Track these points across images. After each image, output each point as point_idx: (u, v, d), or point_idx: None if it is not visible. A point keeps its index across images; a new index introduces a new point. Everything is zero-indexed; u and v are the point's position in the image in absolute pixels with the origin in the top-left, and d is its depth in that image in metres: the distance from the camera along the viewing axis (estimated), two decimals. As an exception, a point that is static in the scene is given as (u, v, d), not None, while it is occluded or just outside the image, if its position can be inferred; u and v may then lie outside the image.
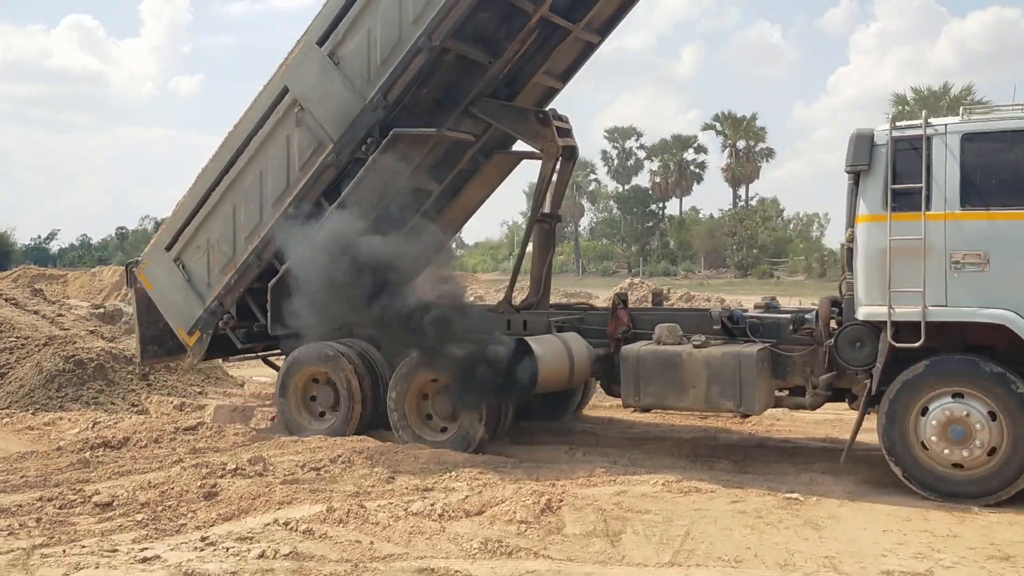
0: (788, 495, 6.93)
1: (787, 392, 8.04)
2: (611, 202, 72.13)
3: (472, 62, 9.01)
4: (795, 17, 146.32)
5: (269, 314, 9.34)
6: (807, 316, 8.06)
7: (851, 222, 7.47)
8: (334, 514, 6.22)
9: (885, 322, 7.04)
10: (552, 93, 10.25)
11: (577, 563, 5.49)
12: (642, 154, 68.32)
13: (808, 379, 7.88)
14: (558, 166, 9.54)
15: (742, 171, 63.84)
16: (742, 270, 56.43)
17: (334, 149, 8.89)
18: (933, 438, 6.85)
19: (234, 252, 9.52)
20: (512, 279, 9.84)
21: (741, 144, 63.93)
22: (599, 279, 51.51)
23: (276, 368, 10.51)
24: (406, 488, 7.07)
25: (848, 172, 7.42)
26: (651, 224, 69.07)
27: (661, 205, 69.43)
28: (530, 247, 10.16)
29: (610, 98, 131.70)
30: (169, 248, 9.89)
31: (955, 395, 6.85)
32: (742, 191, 66.10)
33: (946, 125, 6.99)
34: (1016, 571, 5.38)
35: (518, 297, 10.27)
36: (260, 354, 10.59)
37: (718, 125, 62.74)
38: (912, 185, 7.00)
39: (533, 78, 9.73)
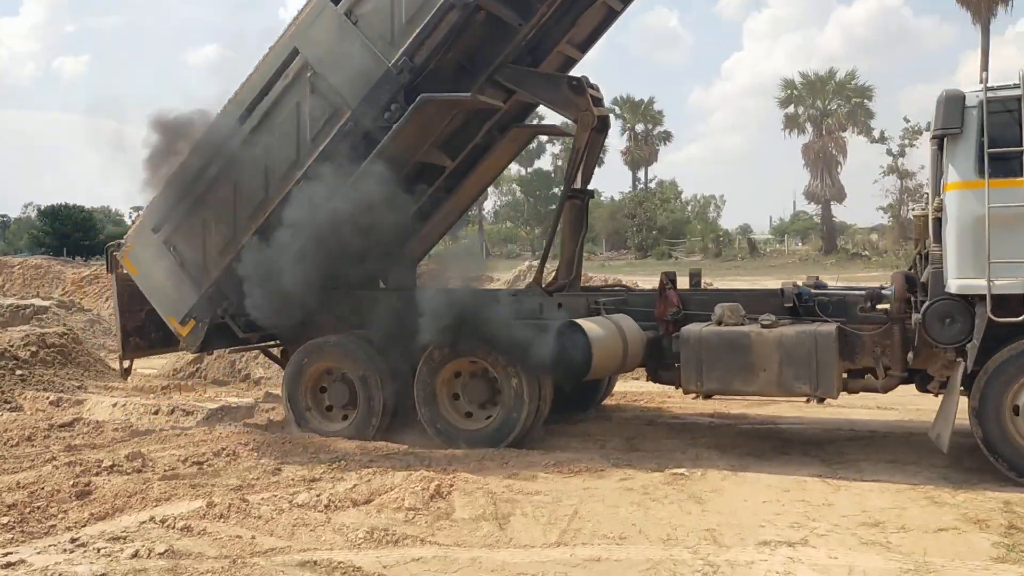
0: (675, 471, 6.99)
1: (852, 374, 7.59)
2: (514, 185, 72.26)
3: (501, 24, 8.30)
4: (692, 2, 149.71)
5: (274, 300, 8.43)
6: (884, 292, 7.58)
7: (938, 190, 6.99)
8: (214, 509, 6.02)
9: (981, 295, 6.61)
10: (571, 63, 9.59)
11: (464, 548, 5.45)
12: (544, 137, 68.80)
13: (879, 360, 7.41)
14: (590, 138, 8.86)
15: (641, 154, 64.69)
16: (642, 251, 57.57)
17: (352, 117, 8.08)
18: None
19: (235, 232, 8.63)
20: (542, 260, 9.07)
21: (640, 128, 65.18)
22: (502, 262, 51.58)
23: (276, 360, 9.83)
24: (292, 479, 6.86)
25: (934, 137, 6.98)
26: (554, 207, 68.86)
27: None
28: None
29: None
30: (158, 230, 8.95)
31: None
32: (641, 174, 67.51)
33: None
34: (884, 535, 5.52)
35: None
36: (260, 345, 9.78)
37: (617, 109, 63.25)
38: (1012, 149, 6.62)
39: (557, 46, 9.04)
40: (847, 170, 49.35)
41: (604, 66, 68.27)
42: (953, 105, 6.82)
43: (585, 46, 9.51)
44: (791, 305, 7.63)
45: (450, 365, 8.13)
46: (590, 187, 9.28)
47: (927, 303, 6.94)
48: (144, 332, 9.40)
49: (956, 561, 5.10)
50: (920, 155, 50.09)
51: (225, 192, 8.64)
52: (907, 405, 8.99)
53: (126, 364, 9.60)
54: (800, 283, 8.04)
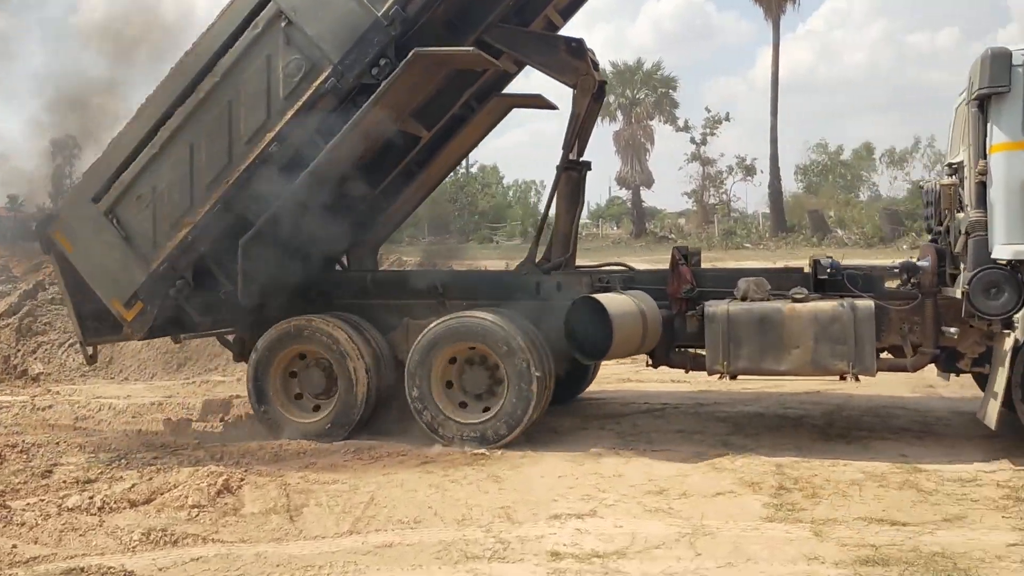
0: (475, 451, 7.02)
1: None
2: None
3: None
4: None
5: (241, 279, 7.55)
6: (920, 265, 7.25)
7: (981, 152, 6.67)
8: (-31, 518, 5.52)
9: None
10: (552, 30, 8.89)
11: (250, 544, 5.22)
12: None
13: (906, 337, 7.13)
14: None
15: (462, 140, 65.07)
16: (464, 235, 57.78)
17: (334, 72, 7.25)
18: None
19: (192, 202, 7.65)
20: (537, 236, 8.46)
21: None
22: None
23: (231, 347, 8.79)
24: (64, 482, 6.38)
25: (977, 97, 6.70)
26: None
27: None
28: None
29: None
30: (98, 199, 7.83)
31: None
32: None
33: None
34: (668, 502, 5.77)
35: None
36: (215, 331, 8.75)
37: None
38: None
39: (546, 8, 8.35)
40: (655, 157, 51.60)
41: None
42: (1000, 63, 6.53)
43: (568, 12, 8.91)
44: (823, 279, 7.31)
45: (447, 349, 7.45)
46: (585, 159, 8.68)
47: (972, 273, 6.56)
48: (103, 316, 8.16)
49: (730, 523, 5.36)
50: (720, 143, 53.35)
51: (181, 156, 7.64)
52: (697, 378, 9.02)
53: (90, 350, 8.44)
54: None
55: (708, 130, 52.61)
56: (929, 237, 8.13)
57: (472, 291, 8.01)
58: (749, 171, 51.78)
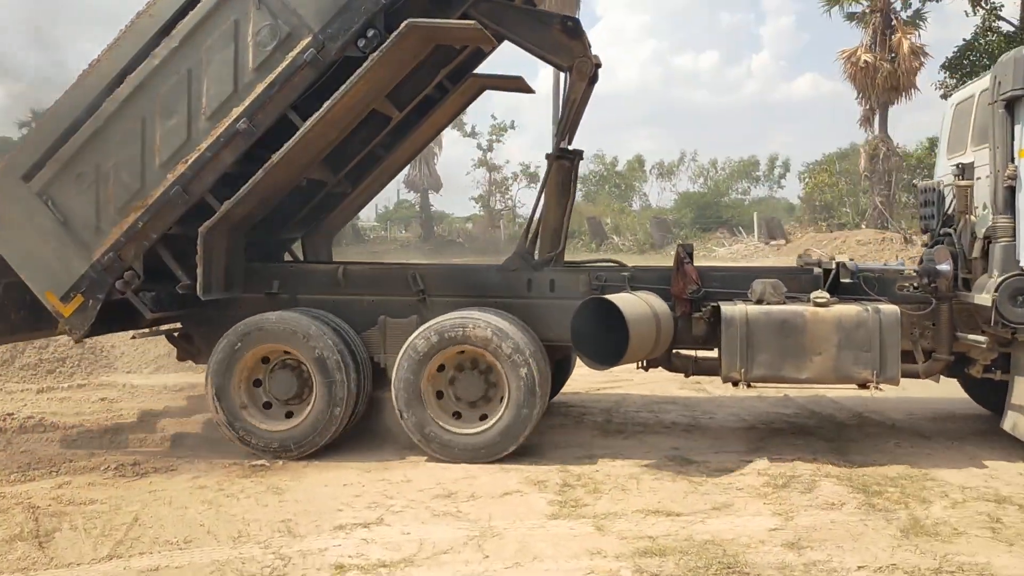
0: (254, 463, 6.65)
1: None
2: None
3: None
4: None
5: (201, 271, 6.61)
6: (941, 269, 6.86)
7: (1010, 156, 6.40)
8: None
9: None
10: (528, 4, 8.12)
11: (-12, 578, 4.66)
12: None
13: (917, 343, 6.80)
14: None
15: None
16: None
17: (315, 43, 6.39)
18: None
19: (143, 183, 6.66)
20: (527, 229, 7.69)
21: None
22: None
23: (181, 347, 7.75)
24: None
25: (1006, 99, 6.39)
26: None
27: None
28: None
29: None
30: (30, 177, 6.74)
31: None
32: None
33: None
34: (456, 505, 5.69)
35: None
36: (165, 330, 7.65)
37: None
38: None
39: None
40: (443, 162, 51.99)
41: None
42: None
43: None
44: (845, 282, 6.93)
45: (438, 356, 6.74)
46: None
47: (1000, 279, 6.34)
48: (2, 312, 7.14)
49: (517, 522, 5.37)
50: (506, 151, 54.81)
51: (130, 131, 6.64)
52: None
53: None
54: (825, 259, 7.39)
55: (494, 137, 53.65)
56: (925, 238, 7.91)
57: (455, 287, 7.33)
58: (533, 178, 53.35)
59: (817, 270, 7.18)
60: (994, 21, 31.85)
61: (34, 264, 6.83)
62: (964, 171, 6.93)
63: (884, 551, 4.85)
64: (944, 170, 7.82)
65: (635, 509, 5.60)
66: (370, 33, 6.39)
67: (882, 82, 28.77)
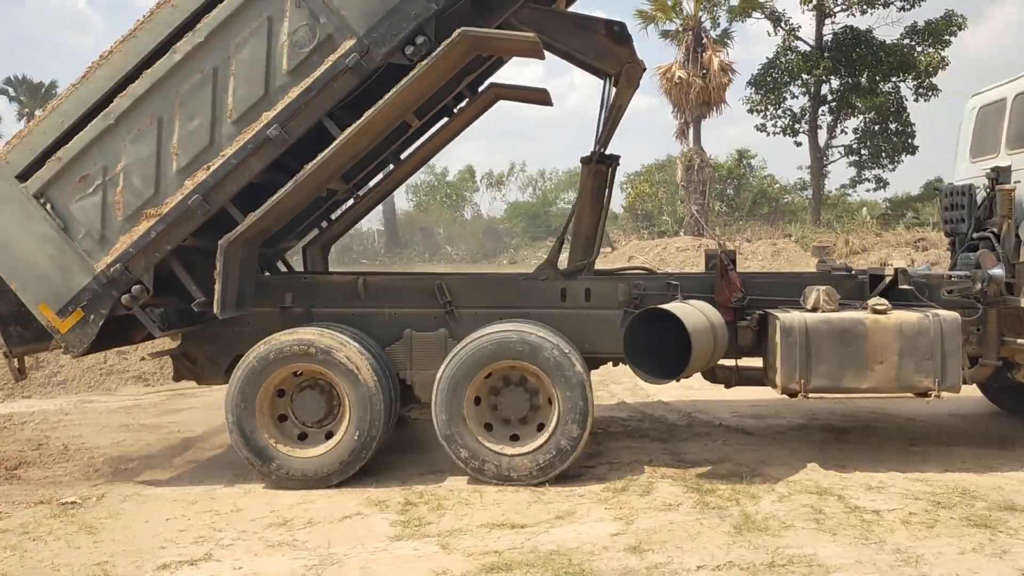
0: (65, 501, 6.10)
1: None
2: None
3: None
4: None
5: (220, 287, 6.01)
6: (993, 274, 6.77)
7: None
8: None
9: None
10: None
11: None
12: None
13: (964, 348, 6.61)
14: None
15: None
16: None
17: (358, 47, 5.88)
18: None
19: (157, 189, 6.09)
20: (560, 237, 7.32)
21: (39, 111, 58.79)
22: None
23: (183, 366, 7.10)
24: None
25: None
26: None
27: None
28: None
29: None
30: (25, 177, 6.12)
31: None
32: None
33: None
34: (291, 533, 5.34)
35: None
36: (163, 350, 7.14)
37: (11, 90, 55.34)
38: None
39: None
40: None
41: None
42: None
43: None
44: (904, 288, 6.78)
45: (485, 368, 6.32)
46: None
47: None
48: (27, 321, 6.39)
49: (359, 547, 5.10)
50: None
51: (145, 132, 6.03)
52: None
53: (16, 362, 6.56)
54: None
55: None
56: (949, 241, 7.95)
57: (485, 298, 6.94)
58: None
59: (862, 276, 7.03)
60: (793, 41, 33.58)
61: (27, 273, 6.14)
62: (1000, 175, 6.92)
63: (720, 549, 4.94)
64: (966, 173, 7.78)
65: (480, 524, 5.46)
66: (419, 40, 5.92)
67: (695, 97, 29.72)
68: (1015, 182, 6.95)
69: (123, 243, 6.11)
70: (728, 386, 7.13)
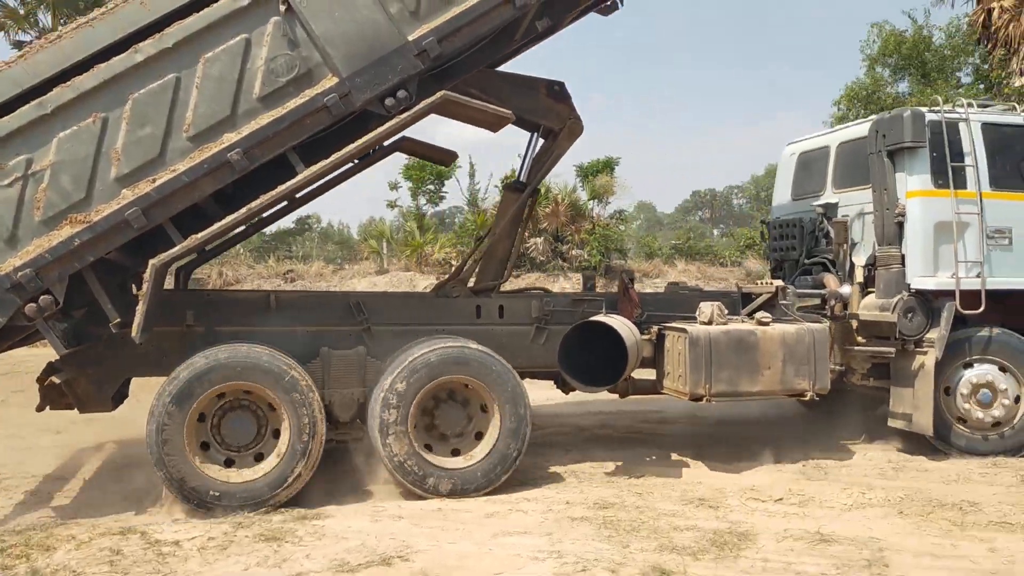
0: None
1: None
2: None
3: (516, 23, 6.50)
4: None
5: (143, 308, 5.46)
6: (843, 292, 7.58)
7: (895, 196, 7.30)
8: None
9: (947, 291, 7.17)
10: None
11: None
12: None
13: None
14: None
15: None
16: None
17: (339, 88, 5.70)
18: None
19: (88, 195, 5.49)
20: (470, 255, 7.46)
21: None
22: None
23: (56, 393, 6.29)
24: None
25: (887, 149, 7.27)
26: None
27: None
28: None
29: None
30: None
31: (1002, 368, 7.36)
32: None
33: (969, 113, 7.46)
34: None
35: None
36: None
37: None
38: (967, 164, 7.26)
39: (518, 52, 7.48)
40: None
41: None
42: (920, 123, 7.24)
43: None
44: (784, 303, 7.35)
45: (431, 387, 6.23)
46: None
47: (895, 300, 7.21)
48: None
49: None
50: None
51: (85, 130, 5.44)
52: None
53: None
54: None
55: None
56: (771, 267, 8.81)
57: (401, 315, 6.81)
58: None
59: (735, 293, 7.76)
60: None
61: None
62: (828, 210, 7.95)
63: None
64: (787, 210, 8.80)
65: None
66: (400, 94, 5.86)
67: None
68: (843, 216, 7.89)
69: (37, 247, 5.40)
70: (623, 396, 7.46)
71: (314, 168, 5.80)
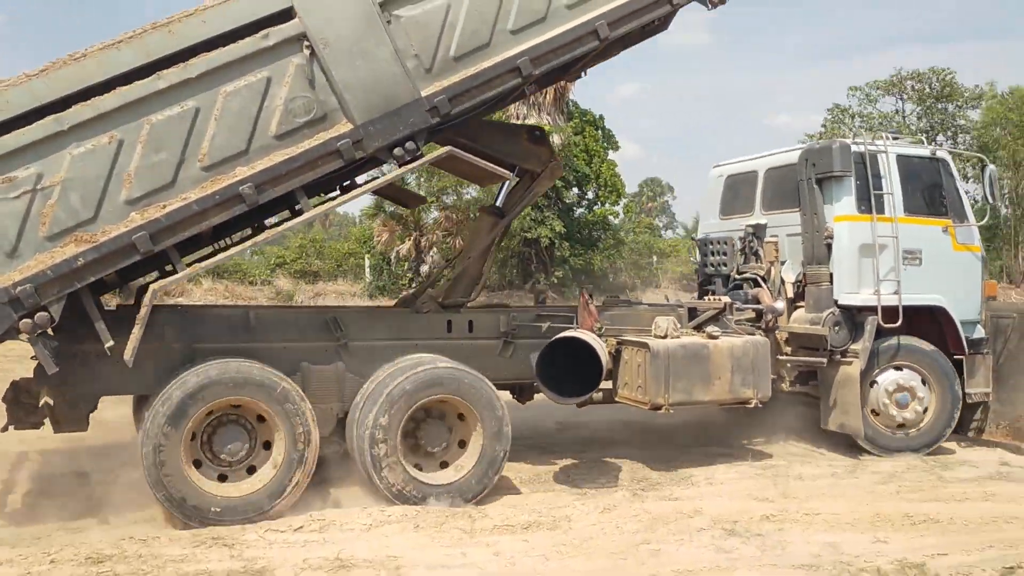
0: None
1: None
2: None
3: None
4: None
5: (139, 332, 5.49)
6: (778, 307, 8.08)
7: (824, 220, 7.96)
8: None
9: (871, 307, 7.85)
10: None
11: None
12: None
13: None
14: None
15: None
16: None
17: (353, 134, 5.85)
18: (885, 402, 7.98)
19: (96, 215, 5.42)
20: (439, 270, 7.69)
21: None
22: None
23: (24, 411, 6.28)
24: None
25: (816, 177, 7.88)
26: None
27: None
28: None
29: None
30: None
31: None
32: None
33: (887, 146, 8.17)
34: None
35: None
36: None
37: None
38: (885, 192, 7.92)
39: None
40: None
41: None
42: (847, 153, 7.85)
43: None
44: (730, 317, 7.80)
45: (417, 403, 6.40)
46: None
47: (827, 313, 7.82)
48: None
49: None
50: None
51: (99, 149, 5.41)
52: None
53: None
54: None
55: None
56: (699, 282, 9.26)
57: (377, 331, 6.92)
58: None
59: (681, 308, 8.15)
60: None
61: None
62: (757, 230, 8.51)
63: None
64: (714, 228, 9.31)
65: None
66: (409, 145, 6.07)
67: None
68: (772, 236, 8.45)
69: (39, 262, 5.29)
70: (581, 406, 7.70)
71: (319, 208, 5.97)
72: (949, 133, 34.86)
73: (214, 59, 5.61)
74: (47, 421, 6.40)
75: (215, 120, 5.62)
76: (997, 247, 34.16)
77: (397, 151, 6.06)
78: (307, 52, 5.78)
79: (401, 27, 5.99)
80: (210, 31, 5.61)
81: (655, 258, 30.00)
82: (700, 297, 8.92)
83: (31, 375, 6.36)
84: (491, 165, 6.59)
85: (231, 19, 5.65)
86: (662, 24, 7.48)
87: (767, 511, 6.12)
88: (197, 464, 5.98)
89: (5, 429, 6.31)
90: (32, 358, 5.82)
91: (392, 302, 9.85)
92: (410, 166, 6.13)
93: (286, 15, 5.75)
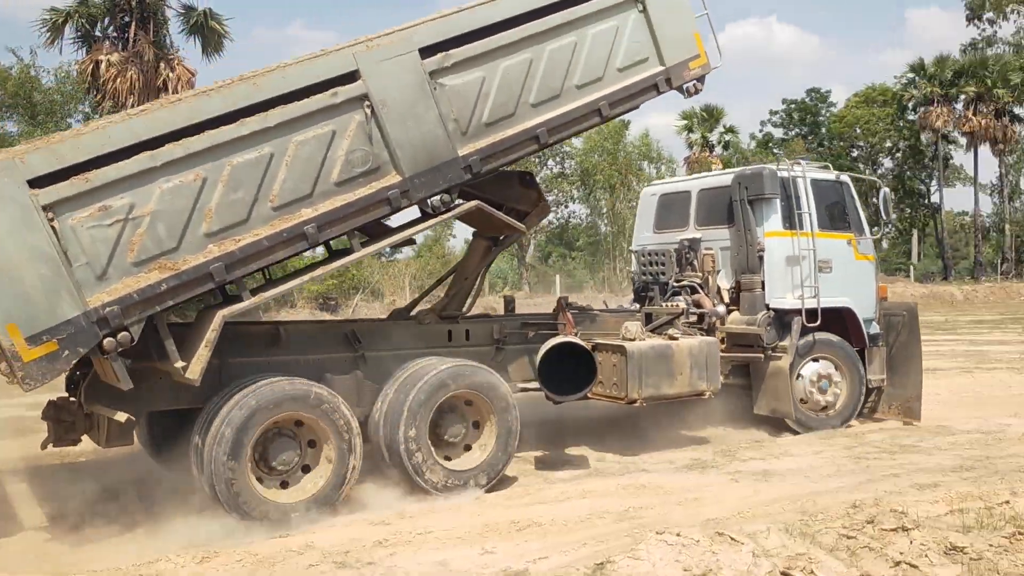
0: None
1: None
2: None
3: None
4: None
5: (207, 354, 5.93)
6: (719, 311, 9.04)
7: (756, 235, 9.05)
8: None
9: (796, 309, 8.97)
10: None
11: None
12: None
13: None
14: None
15: None
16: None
17: (402, 185, 6.61)
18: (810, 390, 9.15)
19: (179, 245, 5.88)
20: (436, 283, 8.57)
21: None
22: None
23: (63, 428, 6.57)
24: None
25: (749, 199, 8.95)
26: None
27: None
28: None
29: None
30: (38, 185, 5.43)
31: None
32: None
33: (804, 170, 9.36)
34: None
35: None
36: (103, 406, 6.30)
37: None
38: (805, 211, 9.08)
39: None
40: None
41: None
42: (774, 178, 8.99)
43: None
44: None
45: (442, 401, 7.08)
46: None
47: (761, 315, 8.85)
48: None
49: None
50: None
51: (186, 185, 5.89)
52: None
53: None
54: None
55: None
56: (635, 289, 10.06)
57: (389, 342, 7.52)
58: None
59: (639, 314, 9.03)
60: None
61: (4, 284, 5.33)
62: (692, 243, 9.48)
63: None
64: (648, 241, 10.17)
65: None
66: (444, 198, 6.82)
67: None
68: (708, 248, 9.41)
69: (126, 286, 5.66)
70: (556, 403, 8.37)
71: (367, 249, 6.67)
72: (558, 158, 38.10)
73: (289, 111, 6.21)
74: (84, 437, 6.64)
75: (286, 165, 6.20)
76: (599, 260, 38.63)
77: (433, 201, 6.81)
78: (367, 111, 6.46)
79: (445, 94, 6.76)
80: (288, 86, 6.21)
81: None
82: (636, 302, 9.86)
83: (65, 394, 6.68)
84: (508, 219, 7.43)
85: (307, 77, 6.28)
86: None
87: (381, 536, 5.83)
88: (260, 480, 6.38)
89: (46, 447, 6.48)
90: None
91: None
92: (443, 217, 6.91)
93: (352, 77, 6.43)
